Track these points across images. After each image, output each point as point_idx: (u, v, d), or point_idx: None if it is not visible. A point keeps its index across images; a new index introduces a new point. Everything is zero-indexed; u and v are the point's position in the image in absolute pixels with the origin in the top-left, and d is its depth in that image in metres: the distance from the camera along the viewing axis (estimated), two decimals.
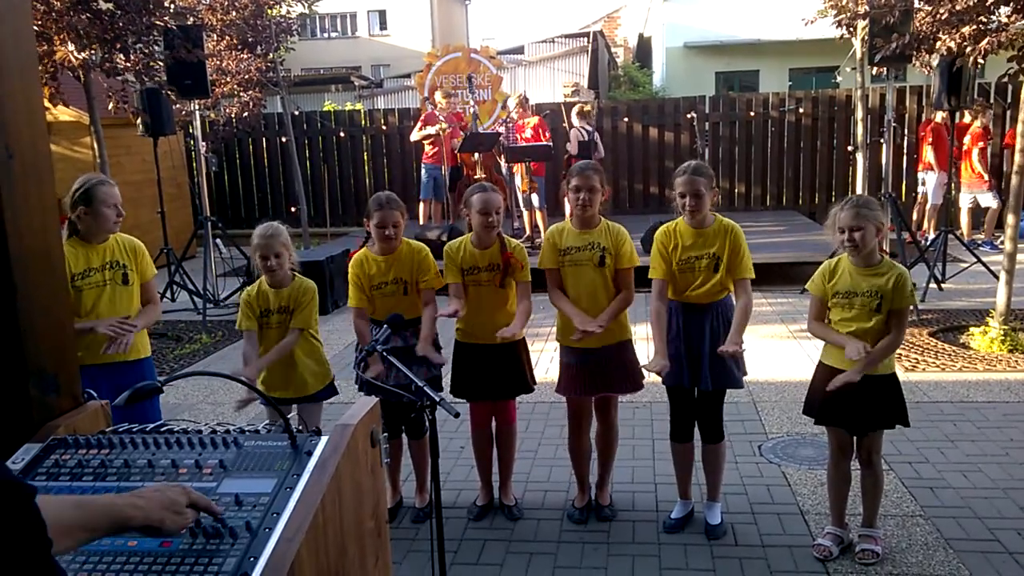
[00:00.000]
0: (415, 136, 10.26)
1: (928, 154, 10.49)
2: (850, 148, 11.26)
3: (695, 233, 3.61)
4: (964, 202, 10.55)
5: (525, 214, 9.81)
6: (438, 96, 10.32)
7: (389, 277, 3.84)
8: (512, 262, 3.78)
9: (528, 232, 9.72)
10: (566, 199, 9.56)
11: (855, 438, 3.48)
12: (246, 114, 11.46)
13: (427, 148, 10.13)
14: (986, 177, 10.36)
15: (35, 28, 4.93)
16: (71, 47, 6.80)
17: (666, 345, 3.58)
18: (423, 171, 10.37)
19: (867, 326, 3.31)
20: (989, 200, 10.44)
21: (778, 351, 6.40)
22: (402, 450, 4.10)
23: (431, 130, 9.85)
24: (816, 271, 3.52)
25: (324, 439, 1.81)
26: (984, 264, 8.21)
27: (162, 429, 1.93)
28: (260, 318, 3.81)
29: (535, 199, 9.58)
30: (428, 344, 3.71)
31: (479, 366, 3.88)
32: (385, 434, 2.06)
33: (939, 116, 10.23)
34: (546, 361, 6.35)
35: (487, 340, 3.75)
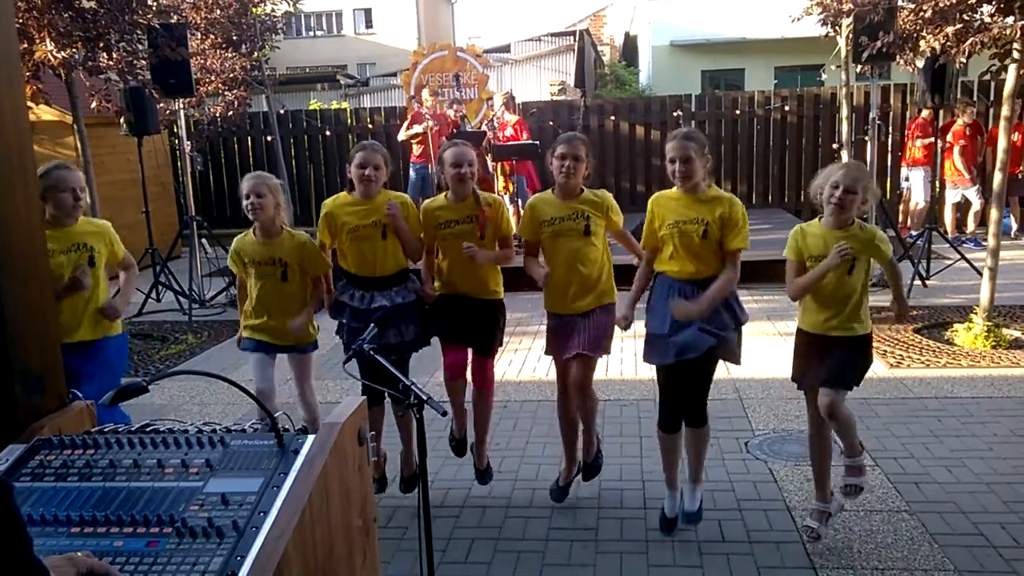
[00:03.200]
0: (402, 136, 10.23)
1: (914, 151, 10.56)
2: (835, 146, 11.31)
3: (688, 199, 3.50)
4: (949, 199, 10.63)
5: (510, 210, 9.79)
6: (425, 94, 10.29)
7: (368, 220, 3.77)
8: (488, 217, 3.79)
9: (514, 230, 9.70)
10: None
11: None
12: (231, 113, 11.39)
13: (414, 148, 10.13)
14: (967, 175, 10.44)
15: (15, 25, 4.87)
16: (51, 46, 6.74)
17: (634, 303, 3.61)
18: (411, 170, 10.37)
19: (836, 284, 3.35)
20: (972, 196, 10.53)
21: (764, 348, 6.42)
22: (383, 419, 4.03)
23: (418, 128, 9.83)
24: (788, 239, 3.51)
25: (311, 438, 1.81)
26: (968, 261, 8.27)
27: (148, 429, 1.93)
28: (255, 266, 3.91)
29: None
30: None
31: (457, 312, 3.87)
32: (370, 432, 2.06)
33: (925, 113, 10.32)
34: (533, 360, 6.35)
35: (467, 291, 3.83)
